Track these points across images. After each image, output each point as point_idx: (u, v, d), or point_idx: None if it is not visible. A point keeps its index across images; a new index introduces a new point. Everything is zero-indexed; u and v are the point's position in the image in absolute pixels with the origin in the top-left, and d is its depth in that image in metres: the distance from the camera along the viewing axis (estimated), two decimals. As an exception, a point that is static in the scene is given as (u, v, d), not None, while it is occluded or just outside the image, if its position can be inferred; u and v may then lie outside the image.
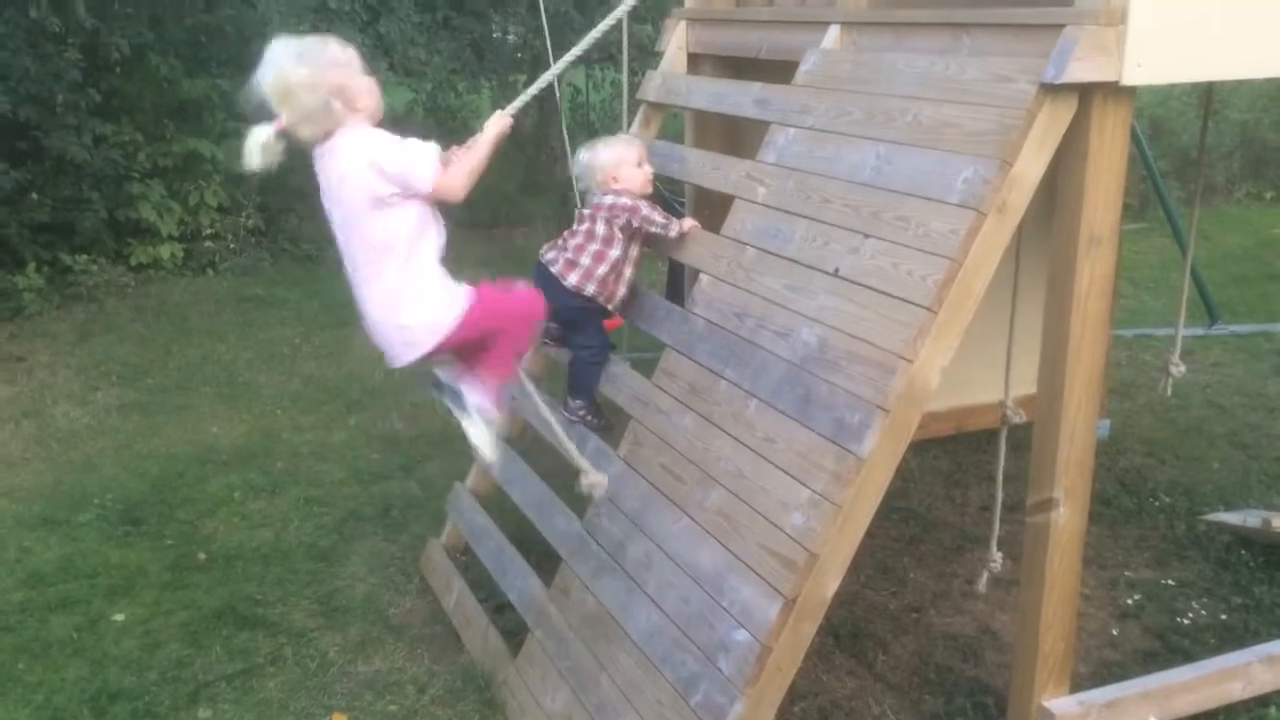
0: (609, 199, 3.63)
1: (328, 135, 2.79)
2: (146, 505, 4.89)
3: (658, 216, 3.62)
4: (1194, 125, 10.08)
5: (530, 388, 3.34)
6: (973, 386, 4.54)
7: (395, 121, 10.89)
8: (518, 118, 3.21)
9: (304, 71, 2.71)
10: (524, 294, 3.13)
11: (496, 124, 3.09)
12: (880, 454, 2.66)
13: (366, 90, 2.81)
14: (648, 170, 3.74)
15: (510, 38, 11.26)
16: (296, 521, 4.73)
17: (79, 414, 5.94)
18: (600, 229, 3.61)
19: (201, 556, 4.46)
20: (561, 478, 3.94)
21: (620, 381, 3.63)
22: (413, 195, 2.79)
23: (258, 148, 2.70)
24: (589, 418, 3.70)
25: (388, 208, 2.77)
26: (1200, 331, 6.72)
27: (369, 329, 2.93)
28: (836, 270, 2.95)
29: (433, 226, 2.88)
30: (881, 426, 2.64)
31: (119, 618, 4.02)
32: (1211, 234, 9.21)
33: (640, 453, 3.36)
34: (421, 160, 2.79)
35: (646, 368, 3.59)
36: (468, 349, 3.01)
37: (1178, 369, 4.07)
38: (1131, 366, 6.25)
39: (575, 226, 3.69)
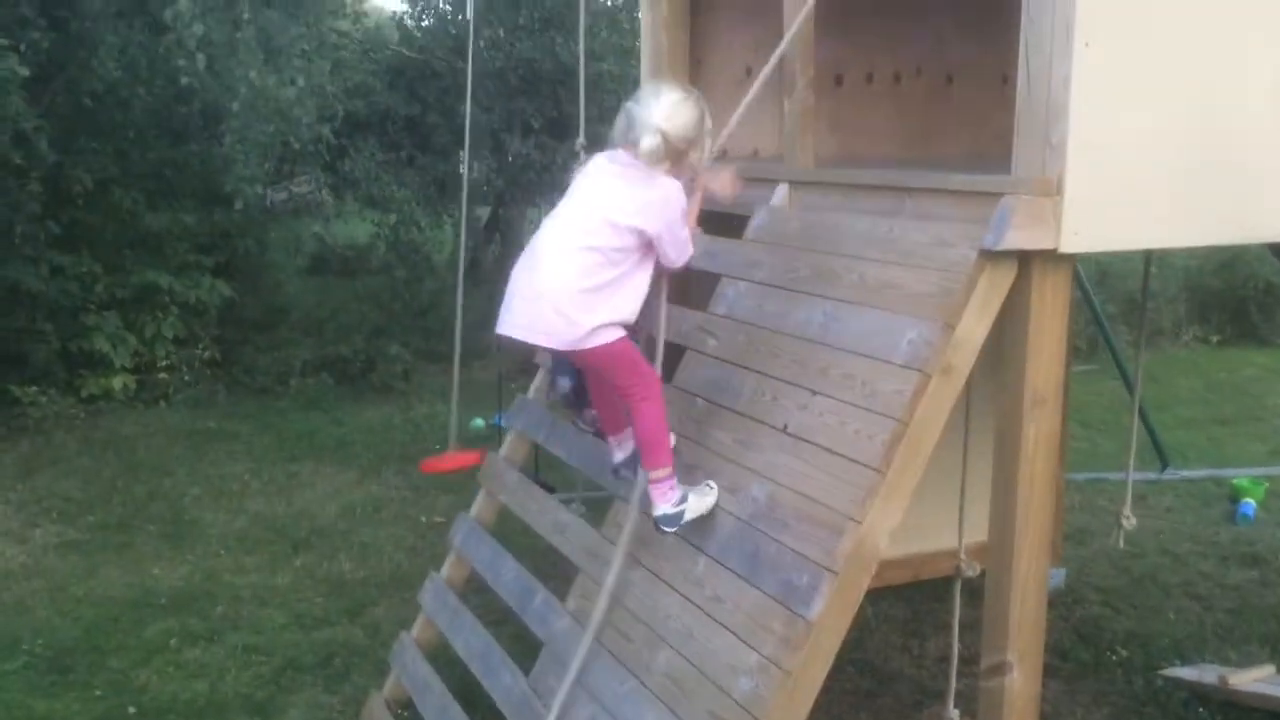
0: None
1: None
2: (78, 652, 4.70)
3: None
4: (1139, 270, 10.30)
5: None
6: (929, 533, 4.48)
7: (359, 251, 10.77)
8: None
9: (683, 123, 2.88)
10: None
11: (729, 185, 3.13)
12: (829, 617, 2.61)
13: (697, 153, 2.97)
14: None
15: (474, 174, 11.51)
16: (234, 671, 4.55)
17: (15, 552, 5.75)
18: None
19: (131, 710, 4.26)
20: (507, 626, 3.84)
21: (569, 532, 3.57)
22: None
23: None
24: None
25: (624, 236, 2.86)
26: (1152, 476, 6.78)
27: (522, 291, 3.01)
28: (785, 427, 2.94)
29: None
30: (830, 589, 2.59)
31: (39, 777, 3.84)
32: (1160, 377, 9.36)
33: (589, 608, 3.28)
34: (680, 254, 2.95)
35: (598, 508, 3.51)
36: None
37: (1129, 522, 4.09)
38: (1085, 511, 6.25)
39: None
